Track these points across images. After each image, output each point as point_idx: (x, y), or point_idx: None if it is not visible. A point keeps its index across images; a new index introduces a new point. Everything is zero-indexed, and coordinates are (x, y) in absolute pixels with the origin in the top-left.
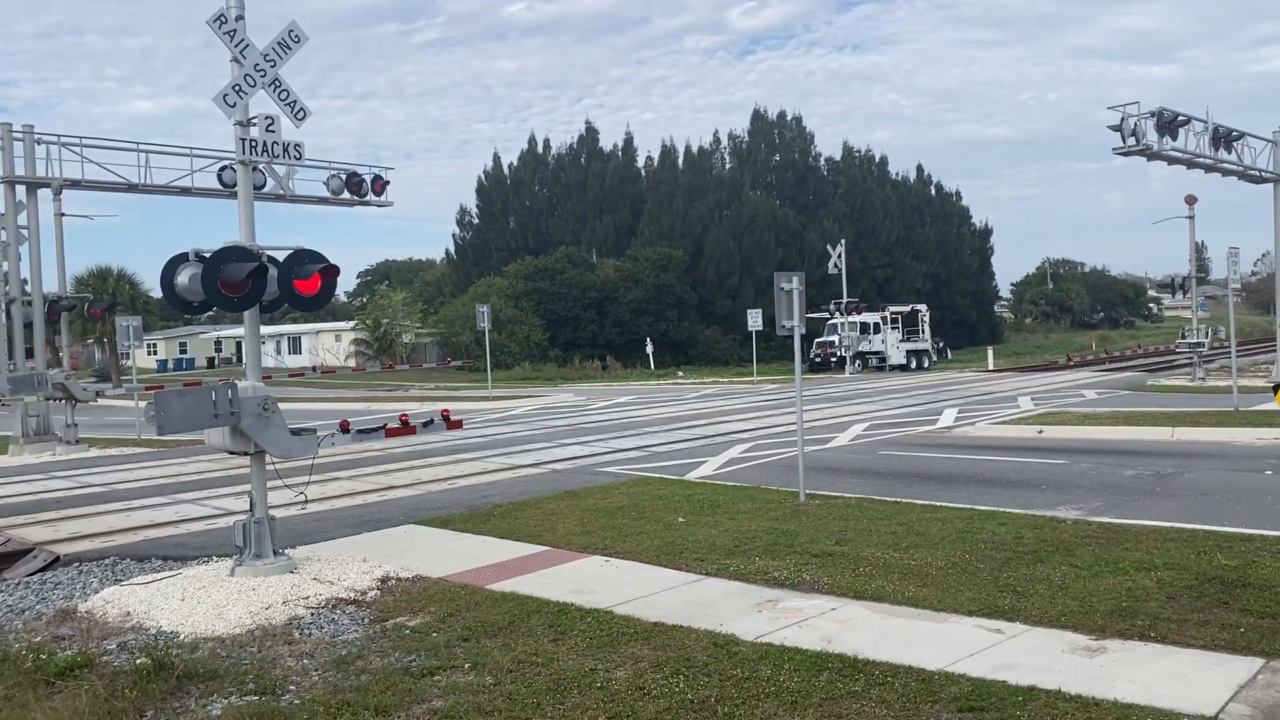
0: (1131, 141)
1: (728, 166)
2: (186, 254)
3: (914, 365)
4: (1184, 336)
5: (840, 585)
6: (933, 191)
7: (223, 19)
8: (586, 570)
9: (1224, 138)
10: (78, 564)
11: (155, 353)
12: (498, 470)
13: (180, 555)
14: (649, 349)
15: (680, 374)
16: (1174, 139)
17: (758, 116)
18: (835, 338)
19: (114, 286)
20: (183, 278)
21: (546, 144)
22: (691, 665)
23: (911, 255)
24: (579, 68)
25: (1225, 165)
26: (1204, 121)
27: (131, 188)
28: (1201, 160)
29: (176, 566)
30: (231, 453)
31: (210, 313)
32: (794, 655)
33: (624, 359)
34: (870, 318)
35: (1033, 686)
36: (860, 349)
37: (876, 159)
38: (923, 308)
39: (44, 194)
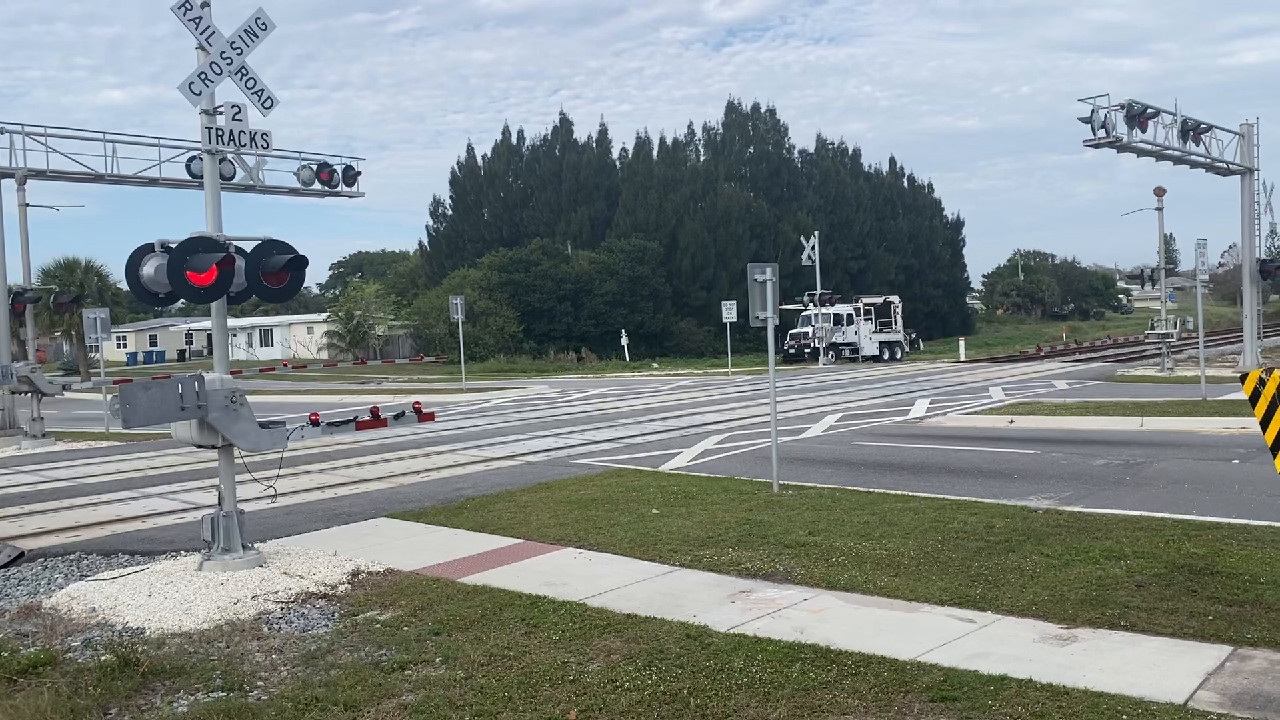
0: (1102, 134)
1: (702, 158)
2: (152, 244)
3: (887, 356)
4: (1153, 327)
5: (813, 575)
6: (905, 184)
7: (188, 5)
8: (560, 562)
9: (1192, 130)
10: (43, 559)
11: (125, 345)
12: (471, 463)
13: (147, 550)
14: (624, 341)
15: (655, 366)
16: (1143, 131)
17: (732, 108)
18: (809, 329)
19: (81, 278)
20: (148, 269)
21: (520, 135)
22: (664, 657)
23: (884, 247)
24: (555, 58)
25: (1193, 157)
26: (1173, 114)
27: (98, 178)
28: (1170, 152)
29: (143, 561)
30: (199, 446)
31: (179, 304)
32: (767, 646)
33: (599, 351)
34: (844, 309)
35: (1004, 675)
36: (834, 340)
37: (850, 151)
38: (895, 299)
39: (8, 184)
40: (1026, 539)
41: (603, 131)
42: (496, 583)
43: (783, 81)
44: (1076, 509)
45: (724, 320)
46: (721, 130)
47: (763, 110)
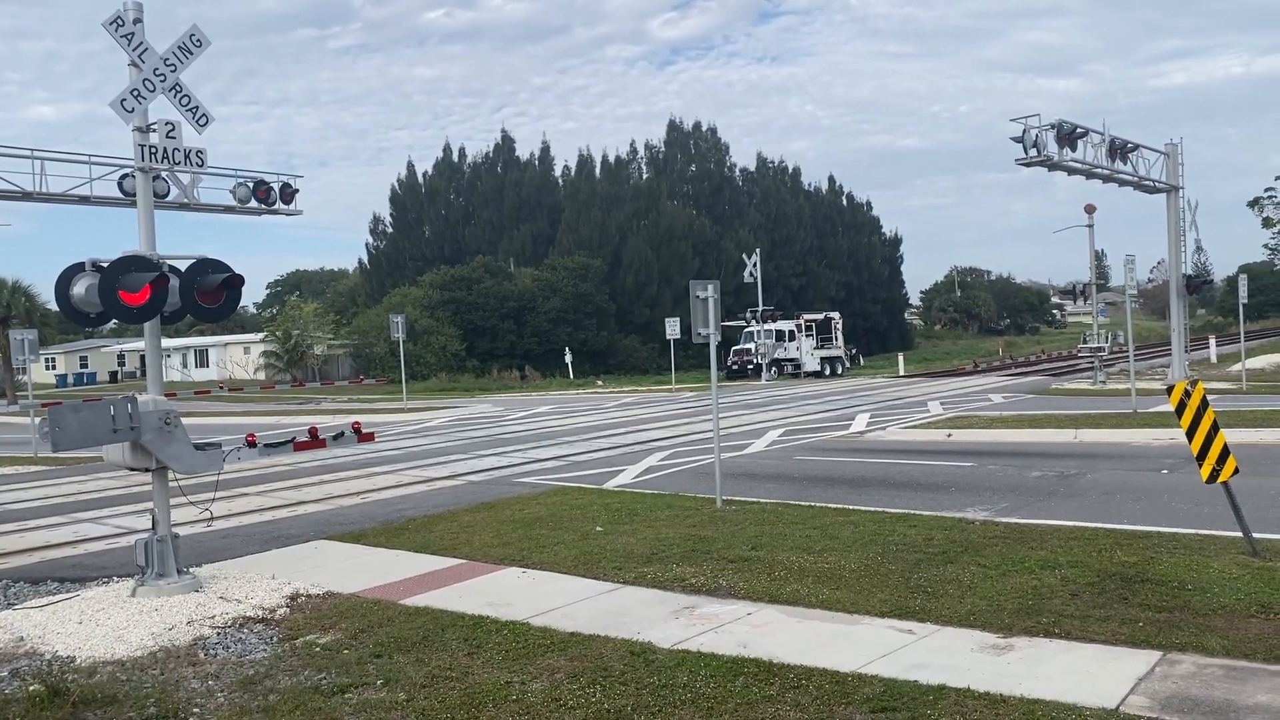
0: (1033, 153)
1: (645, 176)
2: (83, 264)
3: (828, 372)
4: (1085, 342)
5: (756, 590)
6: (844, 202)
7: (120, 21)
8: (503, 582)
9: (1120, 149)
10: None
11: (54, 367)
12: (412, 483)
13: (78, 576)
14: (568, 358)
15: (599, 383)
16: (1073, 150)
17: (673, 127)
18: (751, 345)
19: (8, 299)
20: (79, 288)
21: (462, 152)
22: (608, 675)
23: (825, 264)
24: (499, 76)
25: (1121, 175)
26: (1101, 134)
27: (26, 196)
28: (1099, 171)
29: (74, 588)
30: (132, 469)
31: (110, 325)
32: (710, 661)
33: (543, 369)
34: (785, 325)
35: (943, 685)
36: (776, 356)
37: (790, 170)
38: (836, 315)
39: None
40: (964, 550)
41: (545, 149)
42: (439, 604)
43: (726, 100)
44: (1012, 520)
45: (668, 337)
46: (664, 148)
47: (704, 129)
